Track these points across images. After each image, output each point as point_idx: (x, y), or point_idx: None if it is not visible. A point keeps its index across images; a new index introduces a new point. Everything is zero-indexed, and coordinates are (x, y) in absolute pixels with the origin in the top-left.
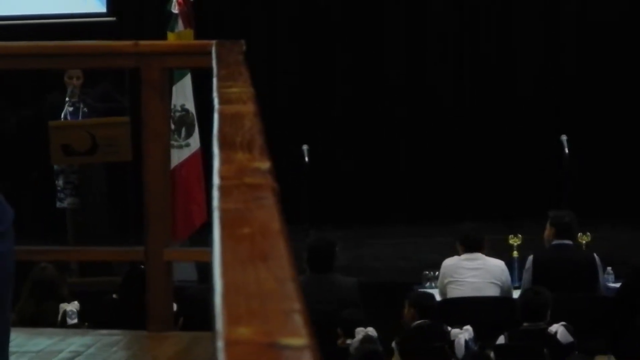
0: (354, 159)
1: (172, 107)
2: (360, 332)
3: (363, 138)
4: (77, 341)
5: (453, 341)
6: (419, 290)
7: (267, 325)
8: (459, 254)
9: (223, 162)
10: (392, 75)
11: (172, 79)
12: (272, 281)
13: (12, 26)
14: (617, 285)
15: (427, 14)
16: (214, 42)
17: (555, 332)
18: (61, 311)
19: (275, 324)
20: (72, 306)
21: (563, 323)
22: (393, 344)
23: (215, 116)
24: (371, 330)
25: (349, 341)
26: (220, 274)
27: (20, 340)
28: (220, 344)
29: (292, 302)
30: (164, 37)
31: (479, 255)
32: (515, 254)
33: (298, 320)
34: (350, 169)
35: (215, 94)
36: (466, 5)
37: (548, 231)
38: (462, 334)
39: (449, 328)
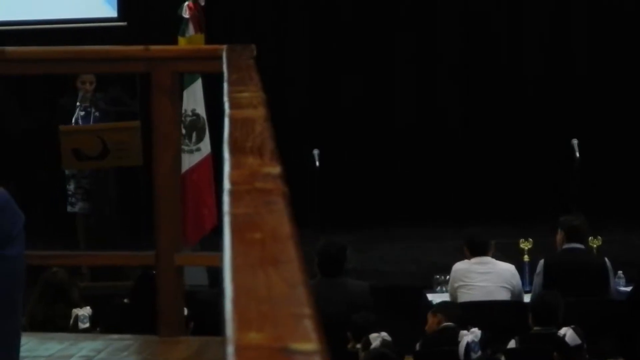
0: (364, 163)
1: (183, 111)
2: (376, 337)
3: (373, 142)
4: (87, 346)
5: (458, 342)
6: (441, 301)
7: (278, 330)
8: (467, 258)
9: (234, 166)
10: (402, 77)
11: (182, 83)
12: (283, 286)
13: (24, 31)
14: (628, 289)
15: (436, 16)
16: (224, 46)
17: (564, 335)
18: (73, 316)
19: (285, 328)
20: (85, 311)
21: (572, 326)
22: (417, 346)
23: (226, 121)
24: (385, 335)
25: (358, 345)
26: (230, 278)
27: (31, 345)
28: (230, 349)
29: (303, 307)
30: (175, 42)
31: (489, 259)
32: (526, 258)
33: (309, 325)
34: (361, 173)
35: (225, 99)
36: (475, 8)
37: (559, 235)
38: (466, 337)
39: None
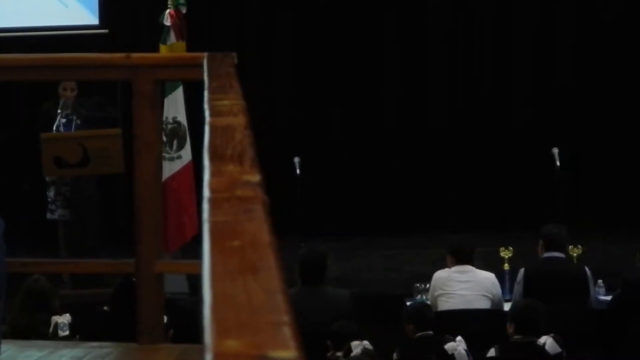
0: (345, 171)
1: (164, 119)
2: (357, 345)
3: (355, 149)
4: (67, 353)
5: (452, 354)
6: (414, 303)
7: (256, 337)
8: (448, 267)
9: (213, 174)
10: (385, 87)
11: (164, 91)
12: (261, 293)
13: (5, 38)
14: (608, 298)
15: (424, 29)
16: (205, 54)
17: (544, 344)
18: (53, 323)
19: (264, 336)
20: (64, 318)
21: (552, 334)
22: (394, 355)
23: (206, 128)
24: (366, 343)
25: (339, 354)
26: (209, 286)
27: (12, 352)
28: (209, 356)
29: (281, 315)
30: (156, 50)
31: (469, 267)
32: (506, 266)
33: (287, 332)
34: (342, 181)
35: (206, 106)
36: (461, 19)
37: (540, 244)
38: (460, 345)
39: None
